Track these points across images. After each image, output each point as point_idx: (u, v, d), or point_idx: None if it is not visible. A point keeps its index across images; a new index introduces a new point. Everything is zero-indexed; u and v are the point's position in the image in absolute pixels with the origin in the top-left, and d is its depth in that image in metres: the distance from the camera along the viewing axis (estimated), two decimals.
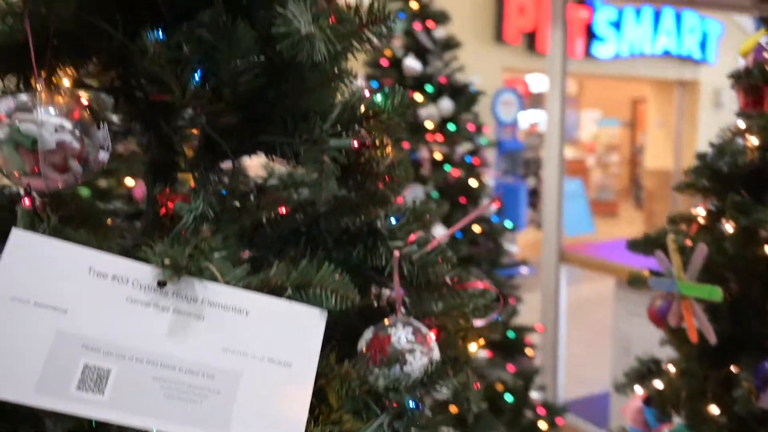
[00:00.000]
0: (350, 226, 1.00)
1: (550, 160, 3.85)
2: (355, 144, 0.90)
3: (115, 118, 1.09)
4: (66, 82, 0.95)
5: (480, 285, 1.03)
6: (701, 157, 1.61)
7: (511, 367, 3.48)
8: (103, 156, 0.84)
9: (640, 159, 13.21)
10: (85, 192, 2.79)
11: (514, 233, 7.78)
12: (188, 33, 0.84)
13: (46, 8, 0.82)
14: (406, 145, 3.26)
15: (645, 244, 1.72)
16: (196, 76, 0.85)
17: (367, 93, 1.08)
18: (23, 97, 0.80)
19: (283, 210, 1.12)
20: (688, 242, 1.53)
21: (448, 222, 3.36)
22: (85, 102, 1.02)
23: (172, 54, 0.83)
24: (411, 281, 1.01)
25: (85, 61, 0.95)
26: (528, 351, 3.60)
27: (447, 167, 3.34)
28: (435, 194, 3.29)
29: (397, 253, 0.99)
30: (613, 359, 3.92)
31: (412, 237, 1.03)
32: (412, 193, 3.25)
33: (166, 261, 0.75)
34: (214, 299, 0.78)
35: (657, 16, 8.92)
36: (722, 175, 1.51)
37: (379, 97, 0.95)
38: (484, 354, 3.37)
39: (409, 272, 1.00)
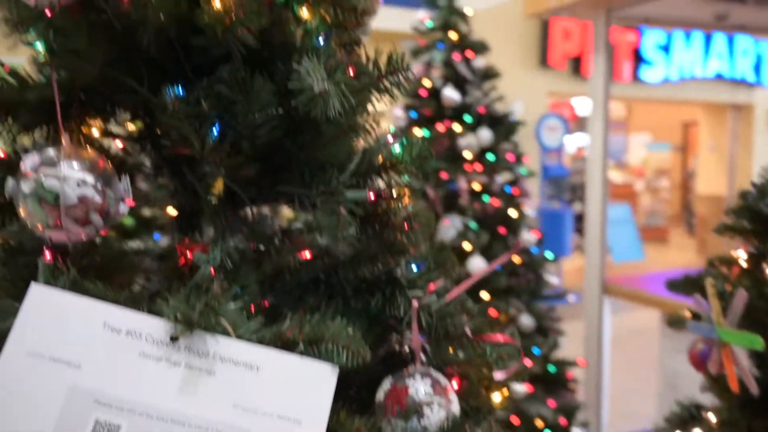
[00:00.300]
0: (369, 275, 1.00)
1: (592, 188, 3.78)
2: (372, 196, 0.90)
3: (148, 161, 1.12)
4: (95, 132, 0.99)
5: (500, 338, 1.01)
6: (743, 196, 1.56)
7: (551, 402, 3.40)
8: (123, 209, 0.86)
9: (692, 184, 12.86)
10: (128, 221, 2.87)
11: (558, 262, 7.62)
12: (207, 88, 0.86)
13: (72, 67, 0.85)
14: (444, 175, 3.25)
15: (685, 285, 1.67)
16: (215, 131, 0.86)
17: (390, 138, 1.08)
18: (49, 151, 0.83)
19: (307, 254, 1.12)
20: (728, 286, 1.47)
21: (487, 252, 3.32)
22: (120, 144, 1.05)
23: (191, 110, 0.84)
24: (430, 332, 1.00)
25: (112, 113, 0.98)
26: (570, 385, 3.52)
27: (486, 198, 3.31)
28: (473, 225, 3.26)
29: (415, 304, 0.98)
30: (660, 395, 3.79)
31: (432, 286, 1.02)
32: (451, 224, 3.23)
33: (178, 316, 0.76)
34: (225, 354, 0.78)
35: (708, 39, 8.73)
36: (763, 217, 1.45)
37: (397, 148, 0.95)
38: (524, 388, 3.30)
39: (427, 323, 0.98)
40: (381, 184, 0.94)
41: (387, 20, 6.63)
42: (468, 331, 1.00)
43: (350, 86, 0.82)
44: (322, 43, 0.93)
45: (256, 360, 0.79)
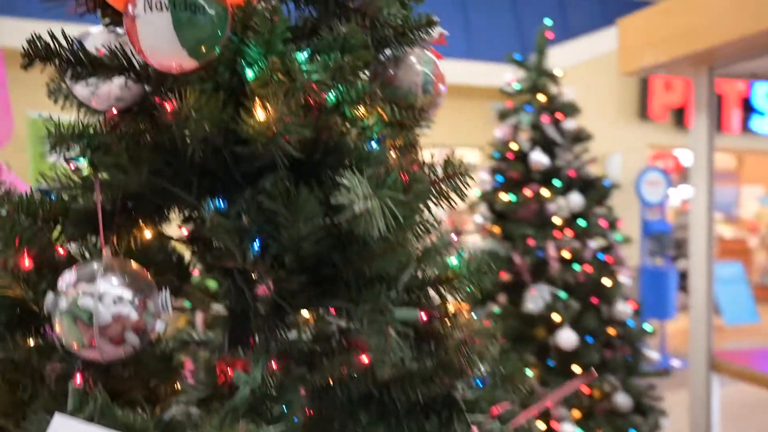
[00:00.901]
0: (423, 396, 0.91)
1: (697, 248, 3.47)
2: (424, 316, 0.82)
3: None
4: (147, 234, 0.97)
5: None
6: None
7: None
8: (160, 326, 0.82)
9: None
10: (212, 284, 2.91)
11: (662, 324, 7.11)
12: (249, 200, 0.82)
13: (116, 179, 0.83)
14: (531, 242, 3.11)
15: None
16: (256, 245, 0.81)
17: (454, 237, 1.00)
18: (90, 266, 0.81)
19: (365, 359, 1.04)
20: None
21: (577, 324, 3.12)
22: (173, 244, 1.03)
23: (231, 224, 0.80)
24: None
25: (162, 217, 0.96)
26: None
27: (576, 266, 3.12)
28: (563, 294, 3.08)
29: (475, 431, 0.88)
30: None
31: (495, 410, 0.91)
32: (538, 293, 3.07)
33: None
34: None
35: None
36: None
37: (454, 260, 0.86)
38: None
39: None
40: (435, 300, 0.86)
41: (477, 76, 6.61)
42: None
43: (398, 201, 0.75)
44: (375, 146, 0.87)
45: None
